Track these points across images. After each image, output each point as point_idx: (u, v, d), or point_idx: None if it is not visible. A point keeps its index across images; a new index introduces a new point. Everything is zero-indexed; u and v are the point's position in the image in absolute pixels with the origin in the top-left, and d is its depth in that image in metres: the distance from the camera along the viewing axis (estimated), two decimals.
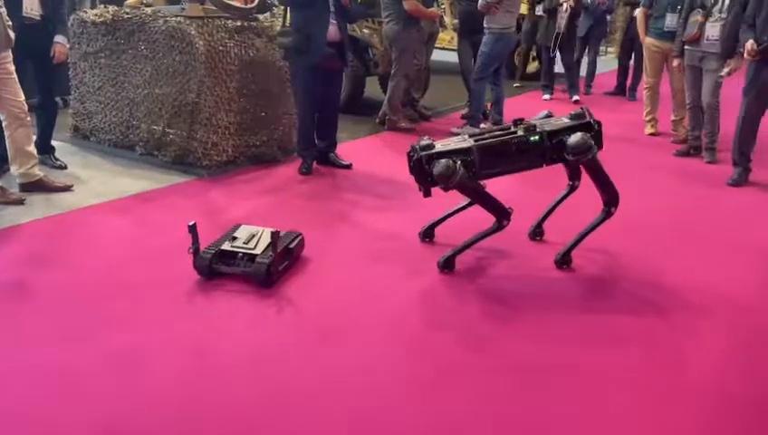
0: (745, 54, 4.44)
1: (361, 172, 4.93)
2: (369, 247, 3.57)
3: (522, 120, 3.18)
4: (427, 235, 3.63)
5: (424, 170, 3.07)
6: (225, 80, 4.62)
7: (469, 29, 6.54)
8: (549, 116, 3.22)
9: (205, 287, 3.01)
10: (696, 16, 5.25)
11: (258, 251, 3.08)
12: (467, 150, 3.07)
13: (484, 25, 6.01)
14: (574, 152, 2.97)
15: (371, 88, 7.11)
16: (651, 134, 6.45)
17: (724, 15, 5.12)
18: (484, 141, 3.12)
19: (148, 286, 2.99)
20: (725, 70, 5.25)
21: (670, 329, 2.85)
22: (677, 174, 5.23)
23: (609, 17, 8.57)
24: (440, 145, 3.13)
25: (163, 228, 3.67)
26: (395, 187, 4.55)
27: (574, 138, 2.97)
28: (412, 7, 5.72)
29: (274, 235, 3.04)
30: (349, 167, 5.00)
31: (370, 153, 5.52)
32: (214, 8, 4.75)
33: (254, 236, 3.20)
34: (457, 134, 6.16)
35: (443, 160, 2.96)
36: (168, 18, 4.61)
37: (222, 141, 4.68)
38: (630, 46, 8.26)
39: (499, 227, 3.19)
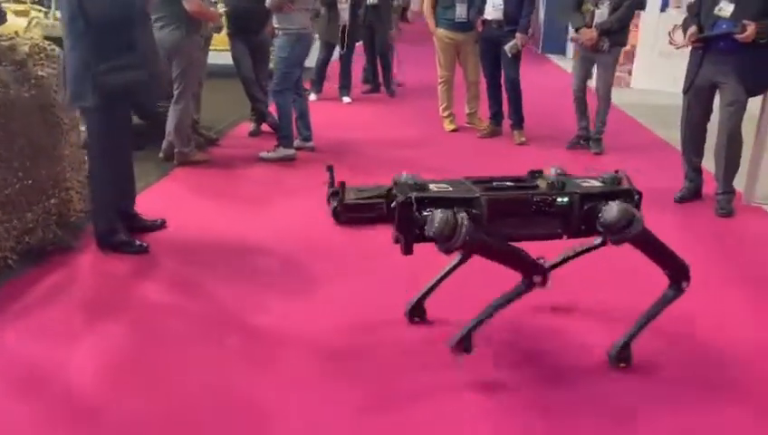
0: (686, 39, 4.12)
1: (193, 239, 3.58)
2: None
3: (540, 172, 2.39)
4: (415, 313, 2.72)
5: (412, 219, 2.19)
6: None
7: (243, 29, 5.43)
8: (562, 173, 2.45)
9: None
10: (588, 5, 5.03)
11: None
12: (472, 202, 2.24)
13: (276, 26, 4.99)
14: (612, 229, 2.23)
15: None
16: (452, 130, 6.18)
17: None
18: (495, 193, 2.30)
19: None
20: (511, 43, 5.40)
21: None
22: None
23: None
24: (435, 187, 2.28)
25: None
26: (244, 256, 3.41)
27: (611, 211, 2.21)
28: (195, 7, 4.39)
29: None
30: (162, 225, 3.66)
31: (177, 203, 4.11)
32: None
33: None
34: (269, 159, 5.14)
35: (439, 214, 2.11)
36: None
37: None
38: (371, 38, 7.87)
39: (530, 285, 2.32)
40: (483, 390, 2.34)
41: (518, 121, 5.78)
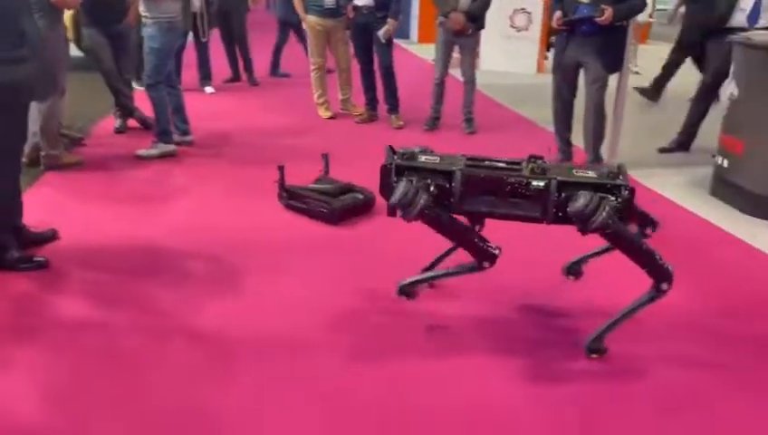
0: (553, 24, 4.51)
1: (94, 247, 3.32)
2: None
3: (540, 157, 2.47)
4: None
5: (390, 184, 2.43)
6: None
7: (101, 18, 5.01)
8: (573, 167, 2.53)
9: None
10: None
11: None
12: (448, 175, 2.40)
13: (144, 14, 4.67)
14: (578, 218, 2.26)
15: None
16: (329, 117, 6.19)
17: None
18: (471, 170, 2.42)
19: None
20: (384, 29, 5.56)
21: None
22: None
23: None
24: (425, 158, 2.47)
25: None
26: (159, 258, 3.25)
27: (578, 199, 2.25)
28: None
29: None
30: (55, 236, 3.36)
31: (61, 211, 3.76)
32: None
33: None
34: (148, 157, 4.81)
35: (402, 185, 2.34)
36: None
37: None
38: (227, 25, 7.59)
39: (478, 267, 2.48)
40: (460, 375, 2.42)
41: (394, 106, 5.94)
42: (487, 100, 7.23)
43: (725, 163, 4.16)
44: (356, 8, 5.66)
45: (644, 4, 4.42)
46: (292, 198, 3.81)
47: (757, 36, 4.08)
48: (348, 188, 3.84)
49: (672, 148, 5.30)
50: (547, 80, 8.38)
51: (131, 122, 5.49)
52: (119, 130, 5.45)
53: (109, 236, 3.45)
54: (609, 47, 4.42)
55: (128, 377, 2.30)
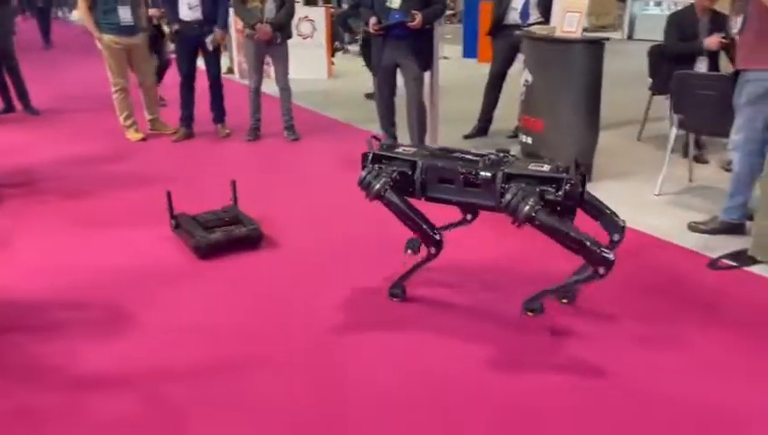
0: (371, 29, 4.78)
1: None
2: None
3: (506, 151, 2.61)
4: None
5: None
6: None
7: None
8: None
9: None
10: (254, 2, 5.38)
11: None
12: (413, 164, 2.68)
13: None
14: (506, 210, 2.40)
15: None
16: (141, 139, 5.83)
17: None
18: (432, 160, 2.67)
19: None
20: (211, 37, 5.58)
21: None
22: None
23: None
24: (402, 150, 2.78)
25: None
26: (19, 310, 2.91)
27: (507, 193, 2.40)
28: None
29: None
30: None
31: None
32: None
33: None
34: None
35: (365, 170, 2.70)
36: None
37: None
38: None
39: (429, 256, 2.76)
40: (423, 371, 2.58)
41: (220, 115, 5.95)
42: (295, 106, 7.38)
43: (530, 140, 4.82)
44: (183, 22, 5.49)
45: (445, 8, 4.94)
46: (178, 227, 3.62)
47: (540, 31, 4.79)
48: (232, 221, 3.60)
49: (474, 134, 5.95)
50: (338, 83, 8.87)
51: None
52: None
53: None
54: (422, 48, 4.88)
55: None
